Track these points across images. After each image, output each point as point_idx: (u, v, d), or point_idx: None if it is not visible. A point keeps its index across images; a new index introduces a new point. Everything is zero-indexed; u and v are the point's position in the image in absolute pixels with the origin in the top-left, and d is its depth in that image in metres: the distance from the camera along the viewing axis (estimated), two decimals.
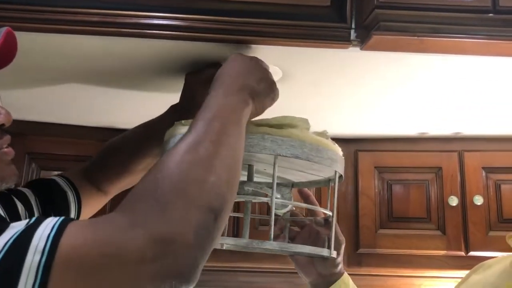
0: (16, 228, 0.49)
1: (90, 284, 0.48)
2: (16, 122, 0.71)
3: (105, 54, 0.87)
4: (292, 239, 0.92)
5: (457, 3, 0.77)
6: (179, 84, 0.92)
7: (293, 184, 0.92)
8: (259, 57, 0.75)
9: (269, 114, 0.73)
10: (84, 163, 0.97)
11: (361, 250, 1.44)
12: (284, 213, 0.90)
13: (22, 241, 0.47)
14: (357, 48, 0.81)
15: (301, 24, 0.79)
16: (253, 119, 0.71)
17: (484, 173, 1.44)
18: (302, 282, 0.96)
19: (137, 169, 0.93)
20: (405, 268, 1.44)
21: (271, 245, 0.70)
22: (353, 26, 0.81)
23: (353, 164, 1.49)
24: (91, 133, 1.43)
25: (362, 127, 1.37)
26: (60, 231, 0.48)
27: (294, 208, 0.92)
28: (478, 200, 1.41)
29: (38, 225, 0.49)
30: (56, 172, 0.97)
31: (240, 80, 0.69)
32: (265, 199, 0.76)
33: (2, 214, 0.69)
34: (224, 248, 0.78)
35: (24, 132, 1.39)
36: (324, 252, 0.78)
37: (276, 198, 0.72)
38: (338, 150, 0.77)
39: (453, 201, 1.41)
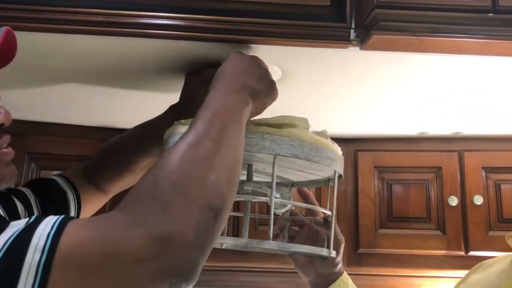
0: (16, 227, 0.49)
1: (90, 282, 0.48)
2: (16, 122, 0.71)
3: (105, 54, 0.87)
4: (292, 239, 0.92)
5: (456, 2, 0.77)
6: (179, 84, 0.92)
7: (292, 184, 0.92)
8: (259, 56, 0.75)
9: (268, 113, 0.73)
10: (83, 163, 0.97)
11: (361, 250, 1.43)
12: (284, 213, 0.90)
13: (22, 240, 0.47)
14: (357, 48, 0.81)
15: (301, 24, 0.79)
16: (253, 119, 0.71)
17: (484, 173, 1.44)
18: (302, 281, 0.96)
19: (136, 169, 0.93)
20: (405, 268, 1.44)
21: (270, 245, 0.70)
22: (352, 25, 0.81)
23: (353, 164, 1.49)
24: (91, 133, 1.43)
25: (362, 127, 1.37)
26: (60, 229, 0.48)
27: (293, 208, 0.93)
28: (478, 200, 1.40)
29: (38, 224, 0.49)
30: (56, 172, 0.97)
31: (241, 80, 0.69)
32: (264, 199, 0.76)
33: (2, 214, 0.69)
34: (223, 247, 0.78)
35: (24, 132, 1.39)
36: (323, 251, 0.78)
37: (275, 197, 0.72)
38: (337, 149, 0.77)
39: (453, 201, 1.41)
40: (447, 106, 1.15)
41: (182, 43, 0.80)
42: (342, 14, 0.80)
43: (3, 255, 0.46)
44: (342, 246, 0.89)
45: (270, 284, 1.58)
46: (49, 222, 0.49)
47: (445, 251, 1.40)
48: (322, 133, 0.76)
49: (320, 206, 0.87)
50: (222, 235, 0.64)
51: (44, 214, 0.80)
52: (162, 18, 0.78)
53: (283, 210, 0.88)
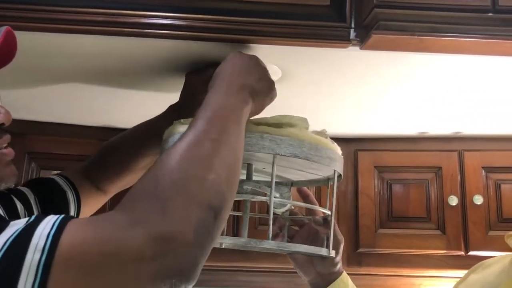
0: (16, 226, 0.49)
1: (90, 282, 0.48)
2: (16, 122, 0.71)
3: (105, 53, 0.87)
4: (291, 238, 0.92)
5: (456, 2, 0.77)
6: (179, 84, 0.92)
7: (292, 183, 0.92)
8: (258, 56, 0.75)
9: (268, 113, 0.73)
10: (83, 162, 0.97)
11: (360, 250, 1.44)
12: (283, 212, 0.90)
13: (22, 240, 0.48)
14: (357, 48, 0.81)
15: (300, 23, 0.79)
16: (252, 118, 0.71)
17: (484, 173, 1.44)
18: (301, 281, 0.96)
19: (136, 168, 0.93)
20: (405, 268, 1.44)
21: (270, 244, 0.70)
22: (352, 25, 0.81)
23: (353, 163, 1.49)
24: (91, 132, 1.43)
25: (362, 126, 1.37)
26: (60, 229, 0.48)
27: (293, 207, 0.93)
28: (478, 199, 1.41)
29: (38, 223, 0.49)
30: (55, 172, 0.97)
31: (240, 79, 0.69)
32: (264, 198, 0.76)
33: (2, 214, 0.69)
34: (223, 246, 0.78)
35: (24, 132, 1.39)
36: (322, 251, 0.78)
37: (275, 197, 0.72)
38: (337, 149, 0.77)
39: (453, 200, 1.41)
40: (447, 106, 1.15)
41: (182, 43, 0.80)
42: (342, 13, 0.80)
43: (3, 255, 0.46)
44: (342, 245, 0.89)
45: (269, 284, 1.58)
46: (49, 222, 0.49)
47: (445, 251, 1.41)
48: (322, 133, 0.76)
49: (320, 205, 0.87)
50: (221, 234, 0.64)
51: (44, 214, 0.80)
52: (162, 18, 0.78)
53: (283, 209, 0.88)
